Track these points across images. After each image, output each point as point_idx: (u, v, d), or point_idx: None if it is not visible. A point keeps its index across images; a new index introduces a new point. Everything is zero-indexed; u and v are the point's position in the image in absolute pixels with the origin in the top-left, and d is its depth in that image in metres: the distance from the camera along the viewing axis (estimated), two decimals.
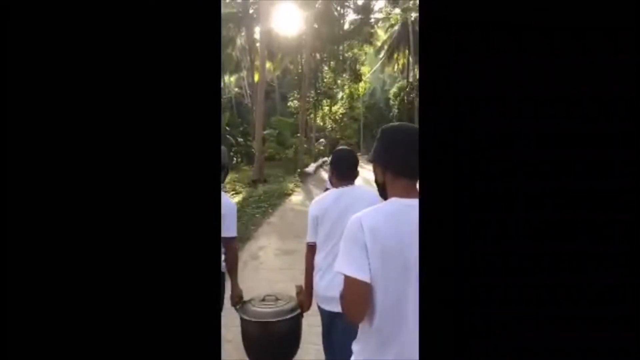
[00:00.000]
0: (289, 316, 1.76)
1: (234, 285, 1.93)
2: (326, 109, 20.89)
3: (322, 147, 20.24)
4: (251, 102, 18.33)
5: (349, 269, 0.97)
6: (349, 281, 0.97)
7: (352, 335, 1.10)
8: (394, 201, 1.04)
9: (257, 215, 6.90)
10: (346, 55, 19.38)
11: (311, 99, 17.67)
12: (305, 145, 15.79)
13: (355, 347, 1.07)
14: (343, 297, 1.01)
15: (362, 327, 1.04)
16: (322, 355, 1.89)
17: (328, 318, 1.76)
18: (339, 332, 1.68)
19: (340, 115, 22.07)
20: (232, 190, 9.59)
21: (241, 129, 17.01)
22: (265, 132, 13.88)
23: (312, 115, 18.97)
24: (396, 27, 23.72)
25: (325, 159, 17.26)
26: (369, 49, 22.53)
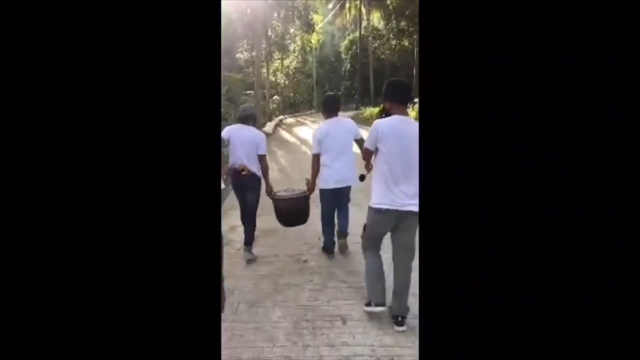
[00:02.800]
0: (301, 196, 3.29)
1: (267, 184, 3.42)
2: (277, 63, 19.46)
3: (275, 105, 18.92)
4: None
5: (366, 144, 2.33)
6: (364, 149, 2.38)
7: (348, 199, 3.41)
8: (395, 117, 2.22)
9: None
10: (297, 2, 17.73)
11: (262, 51, 16.17)
12: (261, 103, 14.63)
13: (374, 186, 2.29)
14: (362, 154, 2.46)
15: (380, 174, 2.24)
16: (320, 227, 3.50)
17: (332, 194, 3.25)
18: (344, 197, 3.35)
19: (293, 70, 20.68)
20: None
21: None
22: None
23: (263, 70, 17.48)
24: None
25: (282, 117, 16.27)
26: None
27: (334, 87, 24.70)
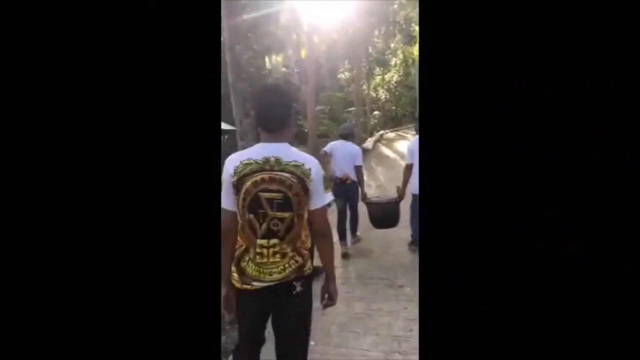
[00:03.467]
0: (391, 201, 3.82)
1: (362, 190, 3.95)
2: (378, 78, 19.59)
3: (376, 120, 19.00)
4: (299, 80, 17.67)
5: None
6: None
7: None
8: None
9: None
10: (398, 16, 17.65)
11: (363, 68, 16.52)
12: (361, 119, 14.88)
13: None
14: None
15: None
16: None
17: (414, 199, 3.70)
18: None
19: (395, 84, 20.53)
20: None
21: None
22: (316, 109, 13.26)
23: (364, 87, 17.81)
24: None
25: (382, 132, 16.23)
26: None
27: None
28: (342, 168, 3.83)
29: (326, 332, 2.58)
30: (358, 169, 3.88)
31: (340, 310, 2.84)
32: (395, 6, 17.68)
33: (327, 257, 1.55)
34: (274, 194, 1.38)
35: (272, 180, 1.38)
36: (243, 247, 1.46)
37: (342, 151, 3.87)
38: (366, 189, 4.02)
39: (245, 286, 1.44)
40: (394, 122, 23.56)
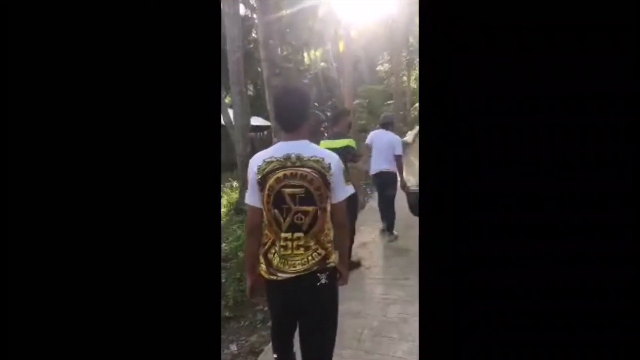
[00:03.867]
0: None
1: (402, 179, 4.00)
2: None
3: (417, 113, 18.44)
4: (337, 74, 17.53)
5: None
6: None
7: None
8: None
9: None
10: None
11: (403, 59, 16.05)
12: (400, 112, 14.49)
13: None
14: None
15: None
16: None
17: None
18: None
19: None
20: None
21: (330, 103, 16.44)
22: (355, 103, 13.07)
23: (404, 78, 17.31)
24: None
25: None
26: None
27: None
28: (381, 158, 3.90)
29: (358, 336, 2.50)
30: (398, 158, 3.90)
31: (373, 314, 2.74)
32: None
33: (342, 243, 1.62)
34: (296, 189, 1.46)
35: (293, 175, 1.45)
36: (270, 241, 1.54)
37: (382, 140, 3.94)
38: (405, 181, 4.01)
39: (271, 277, 1.53)
40: None
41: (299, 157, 1.46)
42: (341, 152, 2.80)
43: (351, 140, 3.23)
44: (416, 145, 12.97)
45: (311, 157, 1.47)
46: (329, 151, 1.55)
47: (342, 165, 1.53)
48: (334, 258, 1.55)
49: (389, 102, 15.26)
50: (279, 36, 7.82)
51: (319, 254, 1.50)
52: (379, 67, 18.86)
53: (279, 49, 6.49)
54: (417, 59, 18.34)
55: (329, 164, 1.47)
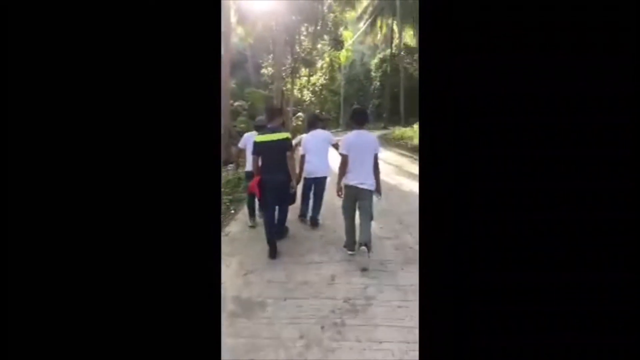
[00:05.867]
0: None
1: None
2: (304, 79, 19.06)
3: (300, 122, 18.42)
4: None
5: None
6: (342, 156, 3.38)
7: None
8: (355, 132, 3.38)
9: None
10: (327, 17, 17.25)
11: (287, 66, 15.77)
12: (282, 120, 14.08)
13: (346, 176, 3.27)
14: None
15: (348, 169, 3.29)
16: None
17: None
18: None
19: (320, 87, 20.22)
20: None
21: None
22: (236, 104, 12.16)
23: (288, 86, 17.09)
24: None
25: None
26: (352, 14, 20.48)
27: (362, 105, 24.05)
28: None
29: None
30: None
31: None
32: (325, 8, 17.35)
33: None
34: None
35: None
36: None
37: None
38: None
39: None
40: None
41: None
42: (280, 143, 3.37)
43: (288, 133, 3.60)
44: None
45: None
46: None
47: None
48: None
49: None
50: None
51: None
52: (263, 70, 18.21)
53: None
54: (303, 69, 18.42)
55: None
